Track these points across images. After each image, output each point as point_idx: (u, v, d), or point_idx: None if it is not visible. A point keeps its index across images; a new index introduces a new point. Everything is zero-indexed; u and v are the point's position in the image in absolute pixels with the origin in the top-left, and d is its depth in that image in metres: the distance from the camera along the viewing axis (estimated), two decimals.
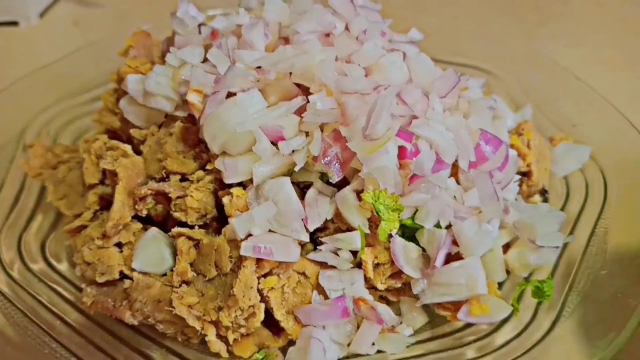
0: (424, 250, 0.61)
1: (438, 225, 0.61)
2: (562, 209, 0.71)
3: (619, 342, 0.52)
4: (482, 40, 1.02)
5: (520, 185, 0.70)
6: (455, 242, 0.60)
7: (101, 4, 1.51)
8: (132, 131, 0.69)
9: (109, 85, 0.90)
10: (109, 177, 0.65)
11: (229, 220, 0.59)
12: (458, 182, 0.64)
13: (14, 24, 1.40)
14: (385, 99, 0.58)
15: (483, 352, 0.56)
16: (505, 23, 1.39)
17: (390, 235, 0.59)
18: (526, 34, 1.33)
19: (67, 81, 0.97)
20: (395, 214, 0.59)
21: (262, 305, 0.57)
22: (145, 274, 0.61)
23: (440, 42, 0.84)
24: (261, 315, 0.57)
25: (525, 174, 0.71)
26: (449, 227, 0.61)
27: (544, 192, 0.73)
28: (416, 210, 0.61)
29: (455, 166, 0.64)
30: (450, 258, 0.60)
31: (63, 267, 0.68)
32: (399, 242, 0.60)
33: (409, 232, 0.62)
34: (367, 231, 0.60)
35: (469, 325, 0.60)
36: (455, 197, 0.63)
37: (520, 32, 1.33)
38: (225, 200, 0.61)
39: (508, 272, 0.64)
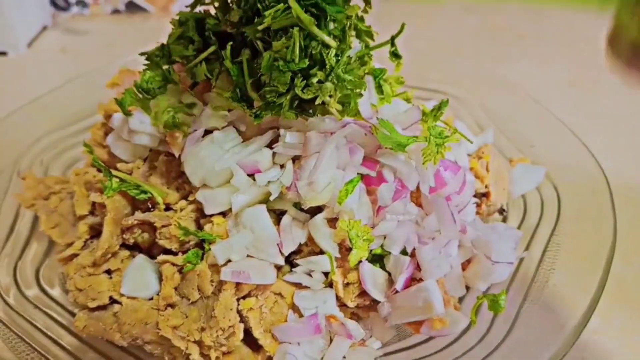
0: (389, 274, 0.67)
1: (404, 252, 0.66)
2: (520, 227, 0.76)
3: (565, 345, 0.58)
4: (451, 66, 1.08)
5: (479, 205, 0.76)
6: (419, 267, 0.66)
7: (88, 32, 1.56)
8: (119, 165, 0.74)
9: (98, 117, 0.96)
10: (98, 208, 0.70)
11: (210, 246, 0.64)
12: (420, 206, 0.70)
13: (2, 54, 1.45)
14: (329, 145, 0.63)
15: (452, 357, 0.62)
16: (478, 43, 1.46)
17: (360, 261, 0.65)
18: (497, 53, 1.39)
19: (57, 112, 1.02)
20: (366, 244, 0.65)
21: (241, 325, 0.62)
22: (133, 298, 0.66)
23: (409, 68, 0.89)
24: (240, 335, 0.62)
25: (484, 195, 0.76)
26: (413, 252, 0.67)
27: (502, 211, 0.78)
28: (384, 238, 0.67)
29: (417, 191, 0.70)
30: (414, 282, 0.66)
31: (56, 292, 0.73)
32: (367, 268, 0.66)
33: (377, 257, 0.68)
34: (337, 255, 0.65)
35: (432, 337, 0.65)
36: (417, 222, 0.69)
37: (491, 52, 1.40)
38: (207, 228, 0.66)
39: (468, 287, 0.70)
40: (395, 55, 0.77)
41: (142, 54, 0.72)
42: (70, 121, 1.01)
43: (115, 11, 1.63)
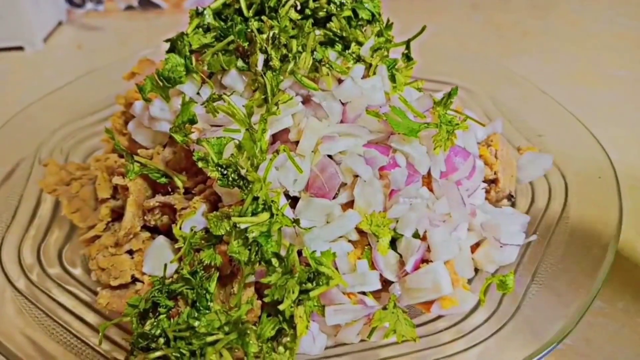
0: (401, 256, 0.70)
1: (416, 234, 0.69)
2: (528, 212, 0.78)
3: (568, 326, 0.60)
4: (459, 59, 1.11)
5: (488, 192, 0.78)
6: (429, 249, 0.69)
7: (102, 28, 1.59)
8: (140, 151, 0.76)
9: (114, 108, 0.99)
10: (120, 191, 0.73)
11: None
12: (431, 191, 0.72)
13: (19, 49, 1.48)
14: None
15: (456, 337, 0.64)
16: (485, 37, 1.48)
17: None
18: (503, 49, 1.41)
19: (75, 104, 1.05)
20: (387, 228, 0.67)
21: (259, 302, 0.65)
22: (154, 277, 0.68)
23: (420, 61, 0.91)
24: (258, 311, 0.64)
25: (493, 181, 0.78)
26: (424, 235, 0.69)
27: (510, 197, 0.80)
28: (397, 221, 0.69)
29: (428, 176, 0.73)
30: (423, 264, 0.68)
31: (78, 272, 0.76)
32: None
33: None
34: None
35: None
36: (428, 205, 0.71)
37: (498, 47, 1.42)
38: None
39: (477, 270, 0.72)
40: (407, 57, 0.80)
41: (166, 40, 0.74)
42: (88, 112, 1.04)
43: (129, 7, 1.66)
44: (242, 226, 0.61)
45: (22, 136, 0.97)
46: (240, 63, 0.72)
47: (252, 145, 0.65)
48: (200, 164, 0.65)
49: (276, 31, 0.71)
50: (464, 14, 1.63)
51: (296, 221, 0.63)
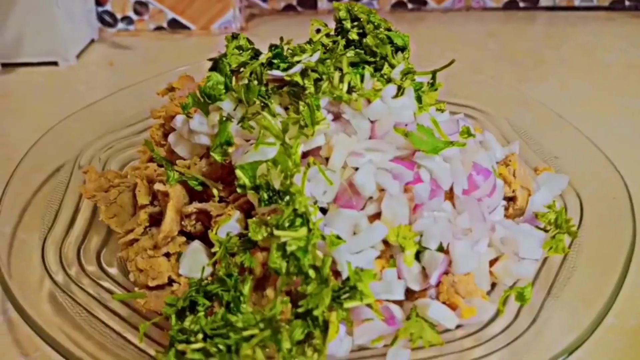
0: (423, 268, 0.73)
1: (440, 247, 0.72)
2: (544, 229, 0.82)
3: (581, 337, 0.64)
4: (477, 84, 1.16)
5: (507, 209, 0.82)
6: (450, 263, 0.72)
7: (133, 47, 1.66)
8: (178, 162, 0.81)
9: (148, 122, 1.04)
10: (160, 197, 0.77)
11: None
12: (454, 206, 0.76)
13: (54, 64, 1.55)
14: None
15: (476, 343, 0.67)
16: (500, 64, 1.53)
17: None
18: (519, 76, 1.46)
19: (110, 118, 1.10)
20: (412, 240, 0.71)
21: (290, 306, 0.68)
22: (189, 279, 0.72)
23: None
24: (288, 314, 0.68)
25: (511, 199, 0.82)
26: (446, 249, 0.73)
27: None
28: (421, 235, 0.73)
29: (450, 193, 0.77)
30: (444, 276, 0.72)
31: (114, 271, 0.80)
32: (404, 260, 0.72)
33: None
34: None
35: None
36: (450, 220, 0.75)
37: (513, 75, 1.47)
38: None
39: (494, 284, 0.76)
40: (432, 85, 0.85)
41: (209, 59, 0.80)
42: (123, 125, 1.09)
43: (159, 28, 1.73)
44: (281, 239, 0.65)
45: (60, 146, 1.02)
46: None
47: (286, 159, 0.70)
48: (239, 191, 0.70)
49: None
50: (480, 41, 1.68)
51: (336, 237, 0.67)
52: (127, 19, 1.72)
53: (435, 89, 0.82)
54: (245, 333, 0.59)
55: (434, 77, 0.82)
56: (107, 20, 1.72)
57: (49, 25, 1.49)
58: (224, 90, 0.77)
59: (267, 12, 1.81)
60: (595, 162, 0.89)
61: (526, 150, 0.95)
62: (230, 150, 0.74)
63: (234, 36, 0.83)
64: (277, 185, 0.69)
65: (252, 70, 0.78)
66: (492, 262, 0.76)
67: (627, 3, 1.80)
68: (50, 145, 1.00)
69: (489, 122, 1.04)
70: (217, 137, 0.74)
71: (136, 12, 1.70)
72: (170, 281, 0.74)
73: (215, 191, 0.77)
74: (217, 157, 0.74)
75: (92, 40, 1.67)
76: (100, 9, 1.70)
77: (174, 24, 1.72)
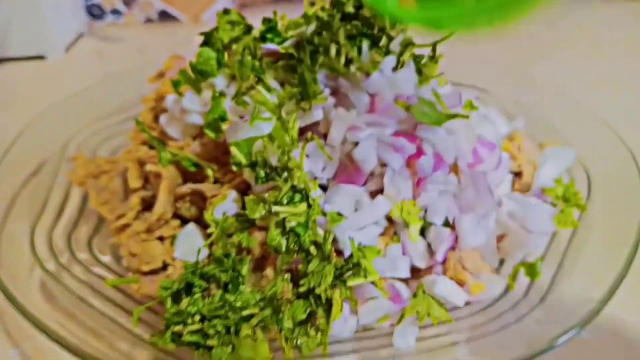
0: (429, 245, 0.70)
1: (445, 222, 0.69)
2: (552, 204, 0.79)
3: (592, 312, 0.61)
4: (477, 64, 1.13)
5: (513, 185, 0.79)
6: (456, 238, 0.69)
7: (122, 39, 1.62)
8: (170, 142, 0.78)
9: (136, 109, 1.01)
10: (152, 179, 0.74)
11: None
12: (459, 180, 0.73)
13: (41, 57, 1.51)
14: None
15: (486, 319, 0.64)
16: (499, 48, 1.50)
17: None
18: (518, 58, 1.43)
19: (97, 106, 1.06)
20: (416, 216, 0.68)
21: (291, 286, 0.65)
22: (185, 262, 0.69)
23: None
24: (289, 294, 0.65)
25: (517, 174, 0.79)
26: (452, 224, 0.70)
27: None
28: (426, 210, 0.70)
29: (455, 167, 0.74)
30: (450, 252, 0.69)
31: (107, 259, 0.77)
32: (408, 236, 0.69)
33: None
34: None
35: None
36: (455, 194, 0.72)
37: (514, 56, 1.44)
38: None
39: (503, 260, 0.73)
40: (432, 58, 0.82)
41: (201, 33, 0.77)
42: (112, 112, 1.05)
43: (149, 20, 1.69)
44: (280, 215, 0.62)
45: (46, 136, 0.98)
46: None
47: (283, 134, 0.67)
48: (235, 169, 0.67)
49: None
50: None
51: (337, 214, 0.64)
52: (116, 12, 1.68)
53: (436, 61, 0.79)
54: (245, 312, 0.56)
55: (434, 49, 0.79)
56: (95, 13, 1.68)
57: (35, 18, 1.46)
58: (216, 66, 0.74)
59: (260, 0, 1.78)
60: (602, 136, 0.86)
61: (531, 126, 0.92)
62: (224, 126, 0.71)
63: (225, 11, 0.79)
64: (274, 161, 0.66)
65: (245, 45, 0.75)
66: (499, 238, 0.73)
67: None
68: (38, 134, 0.97)
69: (491, 101, 1.01)
70: (210, 113, 0.71)
71: (125, 3, 1.67)
72: (165, 265, 0.70)
73: (209, 172, 0.74)
74: (211, 134, 0.71)
75: (81, 34, 1.64)
76: (88, 2, 1.66)
77: (164, 16, 1.69)
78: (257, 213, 0.63)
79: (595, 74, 1.33)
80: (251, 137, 0.67)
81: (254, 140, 0.67)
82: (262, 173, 0.66)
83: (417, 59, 0.78)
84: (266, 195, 0.64)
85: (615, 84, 1.28)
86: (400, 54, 0.75)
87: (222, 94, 0.73)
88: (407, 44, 0.77)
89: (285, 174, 0.65)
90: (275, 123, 0.68)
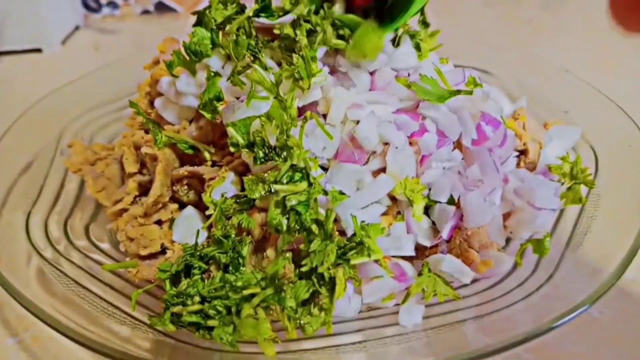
0: (434, 223, 0.68)
1: (450, 200, 0.68)
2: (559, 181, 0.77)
3: (601, 289, 0.59)
4: (478, 45, 1.11)
5: (518, 164, 0.78)
6: (462, 217, 0.68)
7: (119, 31, 1.61)
8: (166, 127, 0.76)
9: (132, 97, 0.99)
10: (148, 162, 0.72)
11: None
12: (463, 158, 0.72)
13: (37, 50, 1.50)
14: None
15: (494, 296, 0.63)
16: (499, 33, 1.49)
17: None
18: (520, 41, 1.42)
19: (92, 95, 1.05)
20: (420, 194, 0.66)
21: (293, 267, 0.63)
22: (184, 245, 0.67)
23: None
24: (291, 275, 0.63)
25: (522, 152, 0.78)
26: (457, 202, 0.68)
27: None
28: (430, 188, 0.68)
29: (459, 144, 0.72)
30: (456, 230, 0.67)
31: (105, 246, 0.75)
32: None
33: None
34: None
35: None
36: (460, 172, 0.70)
37: (514, 40, 1.43)
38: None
39: (509, 239, 0.71)
40: (424, 23, 0.80)
41: (193, 13, 0.75)
42: (108, 101, 1.04)
43: (145, 12, 1.68)
44: (280, 194, 0.60)
45: (42, 125, 0.97)
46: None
47: (282, 113, 0.65)
48: (233, 150, 0.65)
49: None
50: (476, 11, 1.64)
51: (339, 193, 0.63)
52: (112, 4, 1.67)
53: (434, 35, 0.77)
54: (246, 292, 0.55)
55: (423, 14, 0.77)
56: (91, 6, 1.67)
57: (32, 12, 1.44)
58: (210, 46, 0.72)
59: None
60: (607, 112, 0.85)
61: (534, 106, 0.91)
62: (220, 107, 0.69)
63: None
64: (272, 141, 0.64)
65: (239, 24, 0.73)
66: (506, 217, 0.71)
67: None
68: (30, 125, 0.95)
69: (493, 82, 0.99)
70: (206, 93, 0.69)
71: None
72: (164, 249, 0.69)
73: (207, 154, 0.72)
74: (207, 114, 0.69)
75: (77, 27, 1.62)
76: None
77: (161, 7, 1.67)
78: (257, 193, 0.62)
79: (594, 55, 1.31)
80: (248, 117, 0.66)
81: (252, 120, 0.66)
82: (260, 153, 0.64)
83: (413, 34, 0.76)
84: (266, 174, 0.62)
85: (614, 63, 1.26)
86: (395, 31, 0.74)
87: (217, 74, 0.71)
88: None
89: (284, 154, 0.63)
90: (272, 102, 0.66)
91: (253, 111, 0.66)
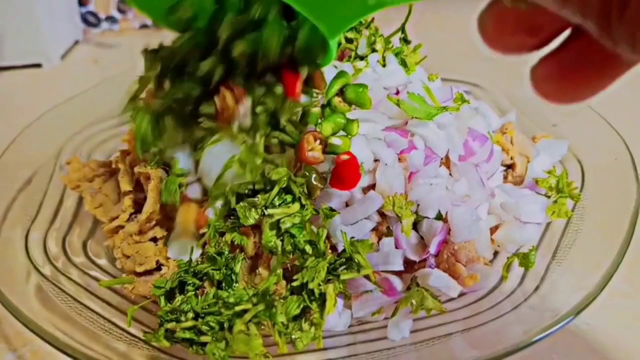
0: (422, 238, 0.70)
1: (439, 216, 0.69)
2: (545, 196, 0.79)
3: (586, 299, 0.61)
4: (470, 59, 1.13)
5: (505, 177, 0.79)
6: (449, 231, 0.69)
7: (118, 45, 1.63)
8: None
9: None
10: (142, 180, 0.74)
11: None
12: (450, 174, 0.73)
13: (37, 65, 1.52)
14: None
15: (481, 309, 0.64)
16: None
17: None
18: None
19: (91, 111, 1.07)
20: (409, 210, 0.68)
21: (284, 282, 0.65)
22: (178, 261, 0.69)
23: (432, 60, 0.93)
24: (283, 291, 0.65)
25: (509, 166, 0.79)
26: (444, 217, 0.70)
27: None
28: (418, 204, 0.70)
29: (447, 160, 0.74)
30: (444, 245, 0.69)
31: (102, 262, 0.77)
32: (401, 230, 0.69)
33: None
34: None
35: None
36: (447, 187, 0.72)
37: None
38: None
39: (497, 253, 0.73)
40: (405, 40, 0.82)
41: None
42: (104, 118, 1.05)
43: (144, 26, 1.70)
44: (275, 217, 0.61)
45: (41, 142, 0.99)
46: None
47: (253, 157, 0.62)
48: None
49: None
50: (467, 24, 1.65)
51: (329, 210, 0.64)
52: (111, 19, 1.69)
53: (417, 50, 0.80)
54: (238, 308, 0.56)
55: (403, 32, 0.79)
56: (90, 21, 1.69)
57: (31, 27, 1.47)
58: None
59: None
60: (595, 126, 0.86)
61: (523, 120, 0.92)
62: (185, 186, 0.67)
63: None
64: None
65: None
66: (493, 230, 0.73)
67: None
68: (33, 140, 0.97)
69: (484, 95, 1.01)
70: (165, 192, 0.67)
71: (120, 10, 1.67)
72: (159, 266, 0.71)
73: None
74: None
75: (77, 42, 1.64)
76: (83, 9, 1.67)
77: None
78: (251, 219, 0.63)
79: None
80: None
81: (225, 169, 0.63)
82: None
83: (396, 51, 0.78)
84: (256, 199, 0.63)
85: None
86: (372, 42, 0.76)
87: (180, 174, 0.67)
88: (372, 42, 0.77)
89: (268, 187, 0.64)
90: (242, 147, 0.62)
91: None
